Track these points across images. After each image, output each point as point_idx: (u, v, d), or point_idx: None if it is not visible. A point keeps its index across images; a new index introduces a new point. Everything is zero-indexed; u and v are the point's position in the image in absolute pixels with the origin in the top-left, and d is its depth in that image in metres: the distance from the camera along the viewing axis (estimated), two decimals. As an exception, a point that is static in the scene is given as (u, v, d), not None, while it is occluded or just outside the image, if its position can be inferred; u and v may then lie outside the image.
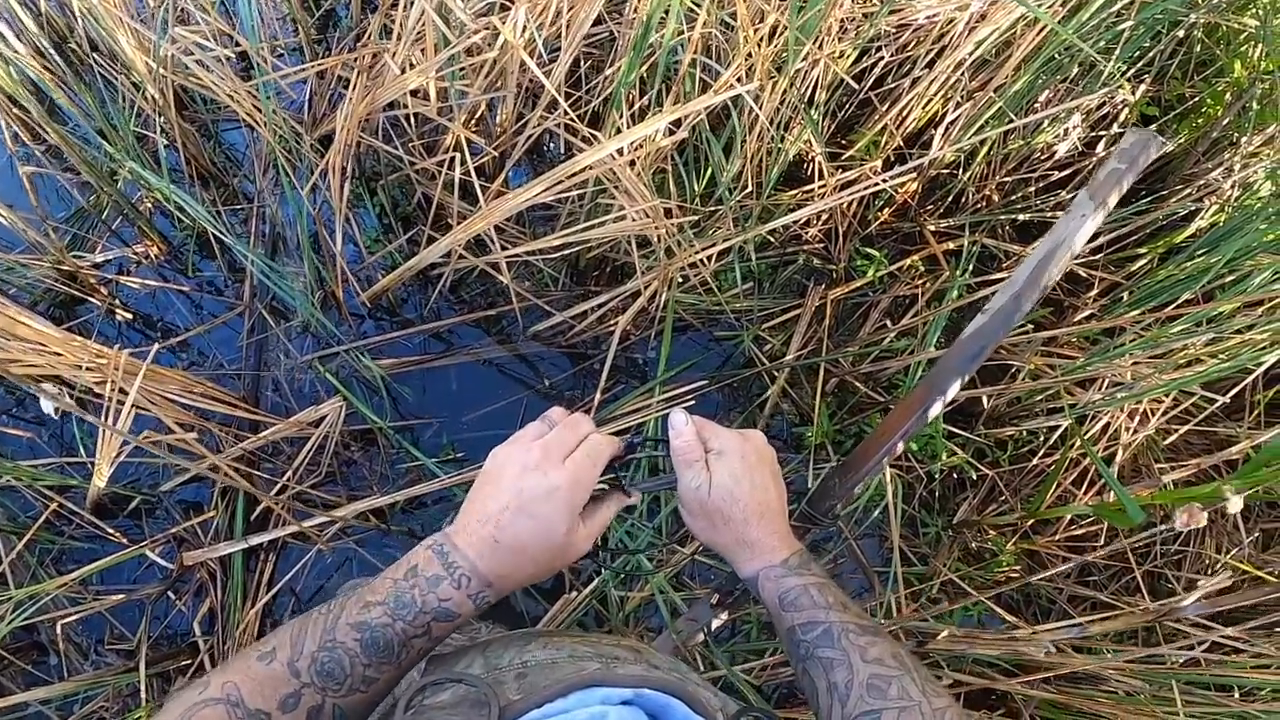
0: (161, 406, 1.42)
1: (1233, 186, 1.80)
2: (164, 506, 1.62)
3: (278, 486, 1.59)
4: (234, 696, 0.56)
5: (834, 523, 1.66)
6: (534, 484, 0.65)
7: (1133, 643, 1.56)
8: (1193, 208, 1.79)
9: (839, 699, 0.66)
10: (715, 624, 1.06)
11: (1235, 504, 1.10)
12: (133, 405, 1.33)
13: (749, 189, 1.61)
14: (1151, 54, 1.78)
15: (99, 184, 1.69)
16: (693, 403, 1.57)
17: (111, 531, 1.57)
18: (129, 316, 1.73)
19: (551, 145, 1.86)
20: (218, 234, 1.67)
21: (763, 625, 1.63)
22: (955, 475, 1.76)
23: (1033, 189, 1.91)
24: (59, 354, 1.33)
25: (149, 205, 1.81)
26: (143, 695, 1.45)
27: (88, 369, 1.36)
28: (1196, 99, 1.84)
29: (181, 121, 1.75)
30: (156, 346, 1.34)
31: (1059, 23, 1.52)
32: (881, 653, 0.67)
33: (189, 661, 1.52)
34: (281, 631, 0.61)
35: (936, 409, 1.15)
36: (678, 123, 1.41)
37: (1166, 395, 1.61)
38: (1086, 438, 1.63)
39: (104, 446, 1.46)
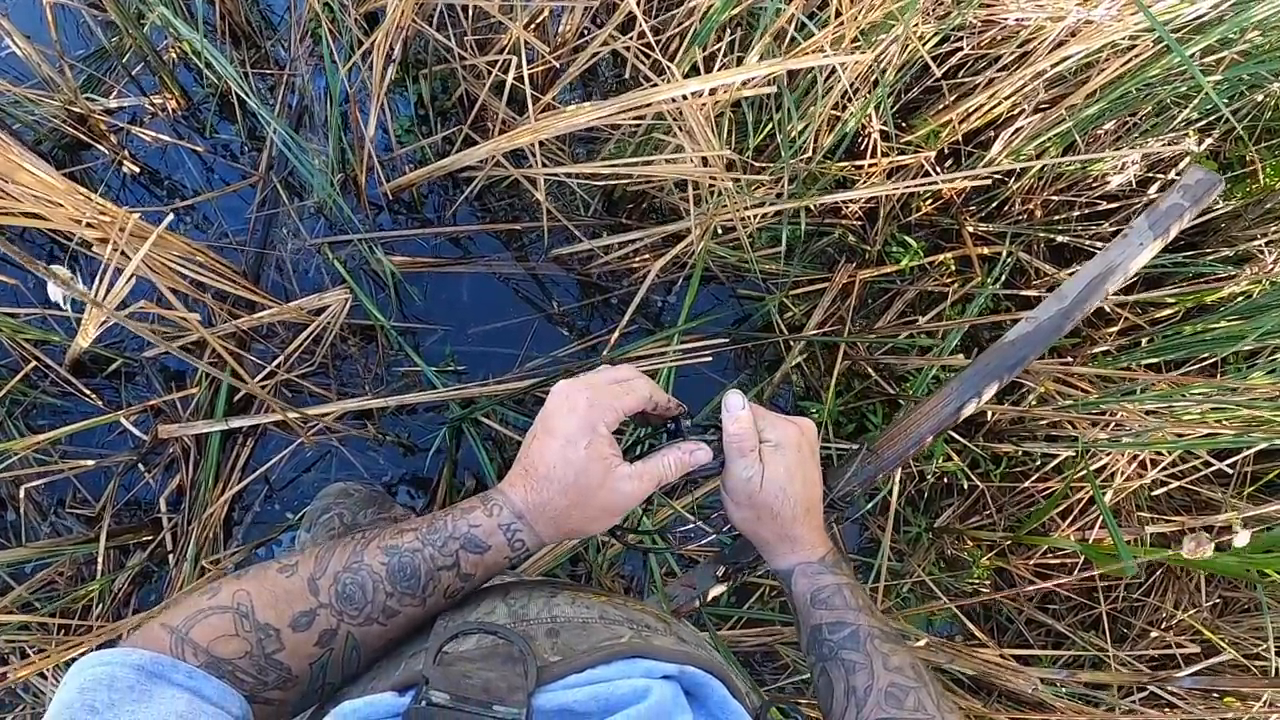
0: (161, 274, 1.34)
1: (1276, 260, 1.78)
2: (145, 373, 1.55)
3: (265, 371, 1.52)
4: (244, 607, 0.53)
5: (850, 509, 1.65)
6: (555, 404, 0.64)
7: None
8: (1231, 272, 1.78)
9: (856, 703, 0.65)
10: (713, 594, 1.04)
11: (1242, 538, 1.12)
12: (133, 274, 1.25)
13: (807, 153, 1.56)
14: (1223, 111, 1.75)
15: (125, 25, 1.58)
16: (709, 359, 1.53)
17: (88, 393, 1.50)
18: (136, 170, 1.64)
19: (607, 69, 1.78)
20: (242, 96, 1.58)
21: (733, 591, 1.62)
22: (946, 480, 1.76)
23: (1076, 214, 1.88)
24: (59, 204, 1.23)
25: (174, 55, 1.71)
26: (100, 567, 1.40)
27: (89, 225, 1.28)
28: (1257, 165, 1.82)
29: (222, -29, 1.64)
30: (171, 215, 1.25)
31: (1149, 59, 1.49)
32: (902, 662, 0.66)
33: (150, 538, 1.47)
34: (309, 548, 0.58)
35: (970, 409, 1.13)
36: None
37: (1171, 451, 1.61)
38: (1090, 470, 1.63)
39: (95, 311, 1.38)
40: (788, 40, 1.32)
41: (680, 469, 0.67)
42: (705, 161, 1.34)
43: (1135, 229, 1.23)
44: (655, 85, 1.24)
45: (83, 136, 1.58)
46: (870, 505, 1.66)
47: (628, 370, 0.68)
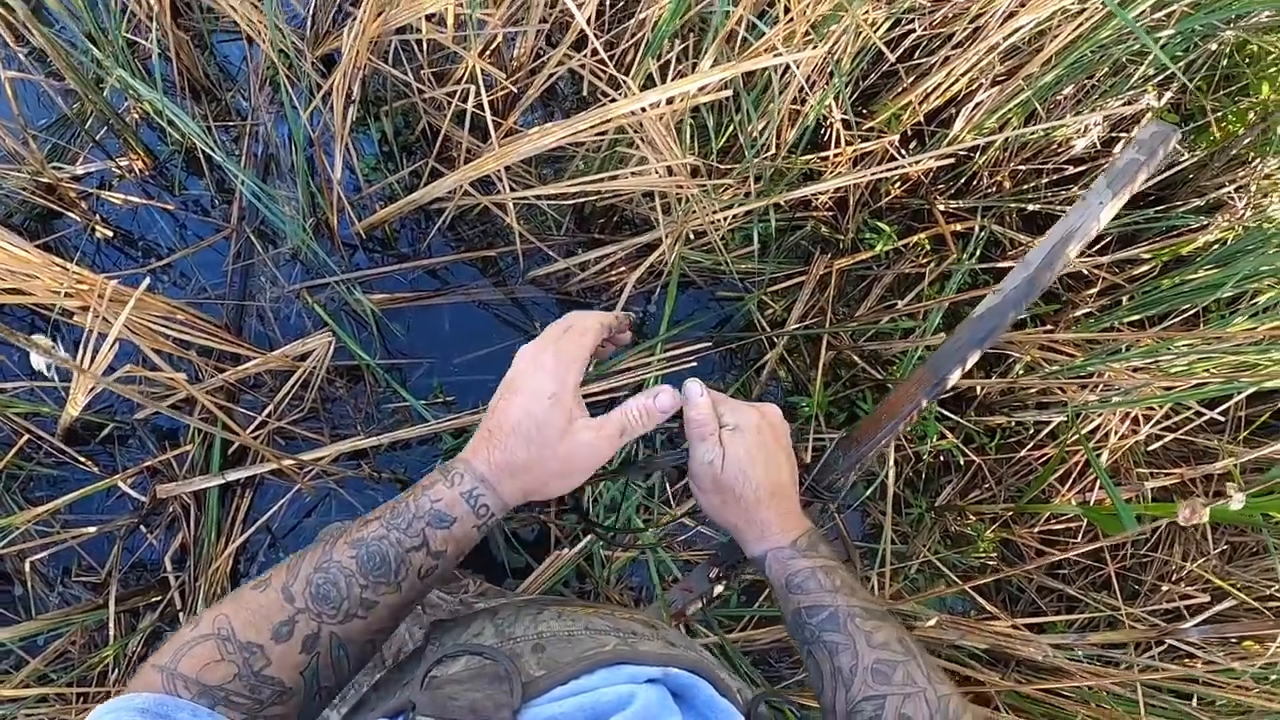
0: (143, 335, 1.35)
1: (1246, 205, 1.80)
2: (138, 435, 1.55)
3: (257, 421, 1.53)
4: (225, 630, 0.53)
5: (836, 498, 1.65)
6: (522, 367, 0.66)
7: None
8: (1203, 221, 1.79)
9: (843, 683, 0.65)
10: (715, 593, 1.05)
11: (1238, 501, 1.13)
12: (116, 339, 1.26)
13: (771, 150, 1.57)
14: (1180, 64, 1.76)
15: (84, 91, 1.59)
16: (695, 364, 1.54)
17: (83, 460, 1.50)
18: (109, 234, 1.64)
19: (566, 86, 1.79)
20: (208, 151, 1.58)
21: (741, 591, 1.63)
22: (941, 458, 1.77)
23: (1045, 181, 1.89)
24: (36, 277, 1.24)
25: (136, 116, 1.71)
26: (111, 632, 1.40)
27: (68, 295, 1.29)
28: (1219, 114, 1.83)
29: (176, 29, 1.65)
30: (148, 277, 1.26)
31: (1100, 21, 1.50)
32: (887, 637, 0.66)
33: (159, 598, 1.47)
34: (279, 564, 0.59)
35: (955, 378, 1.13)
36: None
37: (1162, 405, 1.62)
38: (1083, 433, 1.64)
39: (82, 378, 1.39)
40: (739, 42, 1.33)
41: (644, 414, 0.67)
42: (670, 170, 1.35)
43: (1094, 190, 1.24)
44: (614, 100, 1.25)
45: (53, 206, 1.59)
46: (869, 491, 1.67)
47: (572, 316, 0.69)
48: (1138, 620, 1.66)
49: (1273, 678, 1.45)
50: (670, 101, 1.24)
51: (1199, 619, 1.31)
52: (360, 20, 1.50)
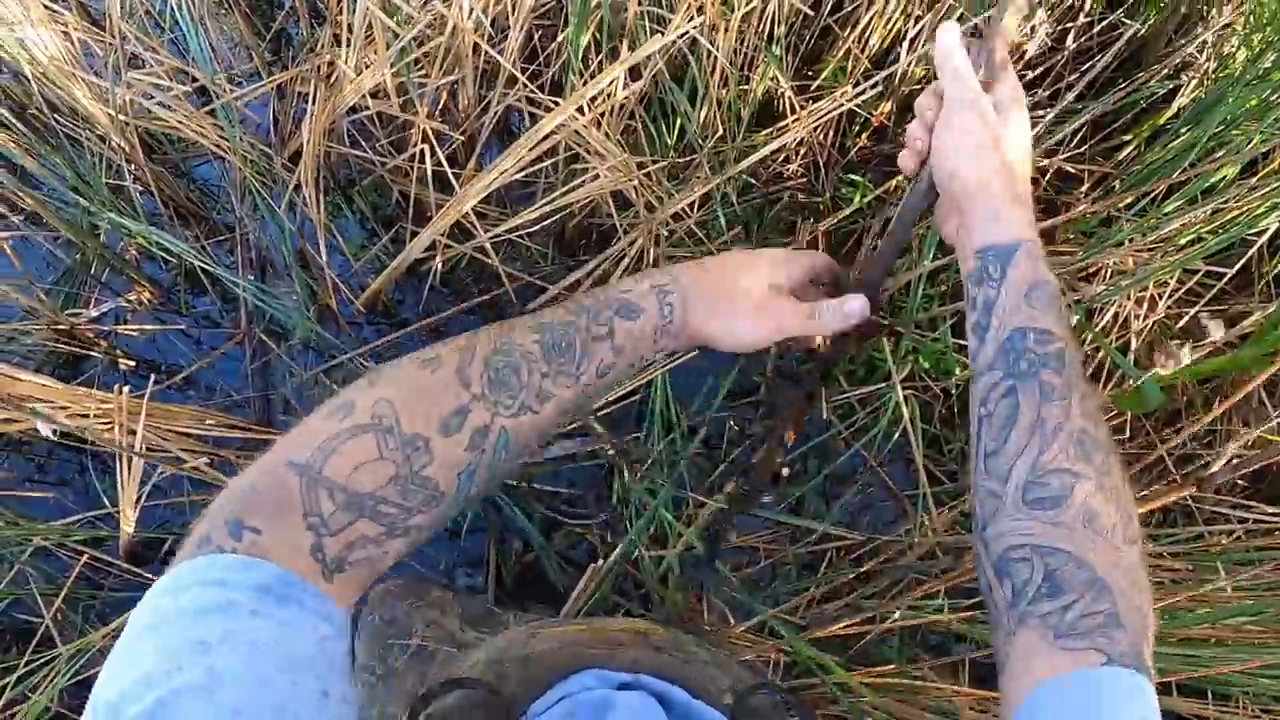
0: (174, 441, 1.43)
1: (1208, 59, 1.76)
2: (196, 542, 1.63)
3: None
4: (387, 420, 0.46)
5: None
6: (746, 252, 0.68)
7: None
8: (1171, 86, 1.76)
9: (1041, 440, 0.53)
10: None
11: (1215, 330, 1.10)
12: (143, 440, 1.34)
13: (721, 133, 1.60)
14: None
15: (81, 241, 1.70)
16: (695, 352, 1.56)
17: (150, 577, 1.58)
18: (132, 364, 1.74)
19: (519, 123, 1.85)
20: (205, 268, 1.68)
21: (804, 566, 1.63)
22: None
23: (1008, 92, 1.88)
24: (65, 406, 1.34)
25: (134, 252, 1.82)
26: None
27: (95, 416, 1.38)
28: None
29: (152, 165, 1.75)
30: (153, 380, 1.35)
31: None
32: (1096, 410, 0.55)
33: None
34: (443, 343, 0.52)
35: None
36: (636, 74, 1.40)
37: (1171, 277, 1.58)
38: (1098, 330, 1.61)
39: (125, 491, 1.48)
40: (649, 34, 1.37)
41: (835, 316, 0.65)
42: (619, 171, 1.39)
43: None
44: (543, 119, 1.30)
45: (76, 349, 1.70)
46: (897, 435, 1.66)
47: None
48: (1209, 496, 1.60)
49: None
50: (598, 104, 1.28)
51: (1221, 461, 1.27)
52: (311, 112, 1.58)
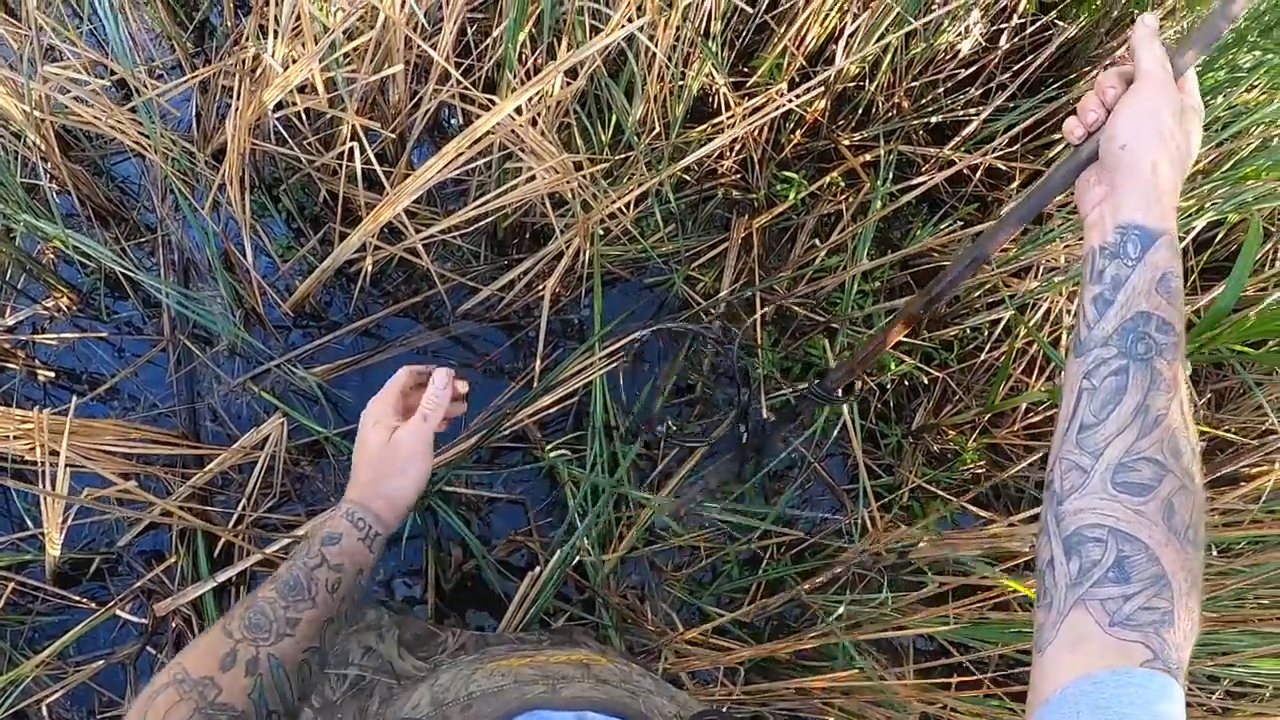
0: (98, 460, 1.37)
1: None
2: (125, 562, 1.57)
3: (234, 517, 1.55)
4: (179, 675, 0.62)
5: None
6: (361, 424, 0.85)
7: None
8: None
9: (1142, 426, 0.53)
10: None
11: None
12: (66, 464, 1.28)
13: (656, 131, 1.58)
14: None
15: (-5, 245, 1.62)
16: (638, 349, 1.55)
17: (78, 598, 1.52)
18: (51, 375, 1.66)
19: (452, 119, 1.81)
20: (126, 272, 1.61)
21: (743, 564, 1.63)
22: (906, 383, 1.77)
23: (941, 90, 1.90)
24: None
25: (51, 256, 1.74)
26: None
27: (15, 438, 1.32)
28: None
29: (69, 163, 1.67)
30: (75, 400, 1.29)
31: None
32: (1190, 412, 0.56)
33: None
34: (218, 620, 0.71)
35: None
36: (574, 73, 1.37)
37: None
38: (1031, 325, 1.64)
39: (49, 514, 1.42)
40: (588, 31, 1.35)
41: (430, 398, 0.82)
42: (556, 172, 1.36)
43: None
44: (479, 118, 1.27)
45: (-9, 363, 1.62)
46: (835, 432, 1.67)
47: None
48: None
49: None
50: (536, 103, 1.26)
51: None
52: (236, 108, 1.52)
